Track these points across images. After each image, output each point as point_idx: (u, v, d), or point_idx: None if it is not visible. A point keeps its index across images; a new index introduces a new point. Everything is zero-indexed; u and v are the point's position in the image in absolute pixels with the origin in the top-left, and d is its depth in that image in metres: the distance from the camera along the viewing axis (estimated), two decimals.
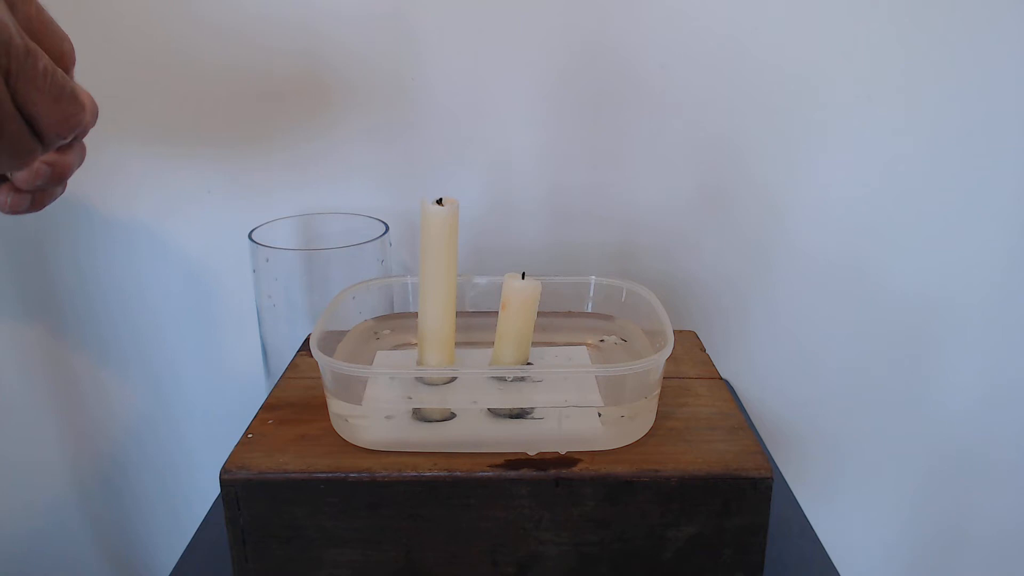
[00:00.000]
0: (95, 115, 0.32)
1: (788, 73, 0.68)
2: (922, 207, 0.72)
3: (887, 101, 0.69)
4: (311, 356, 0.43)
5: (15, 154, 0.30)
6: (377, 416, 0.43)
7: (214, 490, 0.43)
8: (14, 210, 0.35)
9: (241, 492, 0.40)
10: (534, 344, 0.47)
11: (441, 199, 0.42)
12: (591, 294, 0.53)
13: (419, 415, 0.43)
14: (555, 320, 0.53)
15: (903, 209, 0.72)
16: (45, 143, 0.30)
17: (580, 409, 0.43)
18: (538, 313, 0.45)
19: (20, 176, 0.33)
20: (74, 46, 0.31)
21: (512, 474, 0.40)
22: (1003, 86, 0.68)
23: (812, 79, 0.68)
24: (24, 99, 0.28)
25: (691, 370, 0.51)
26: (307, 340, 0.56)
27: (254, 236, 0.60)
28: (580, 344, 0.52)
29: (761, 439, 0.57)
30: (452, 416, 0.44)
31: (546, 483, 0.40)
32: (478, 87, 0.68)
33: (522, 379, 0.46)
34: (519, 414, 0.43)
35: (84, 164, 0.34)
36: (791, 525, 0.55)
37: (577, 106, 0.69)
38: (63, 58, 0.31)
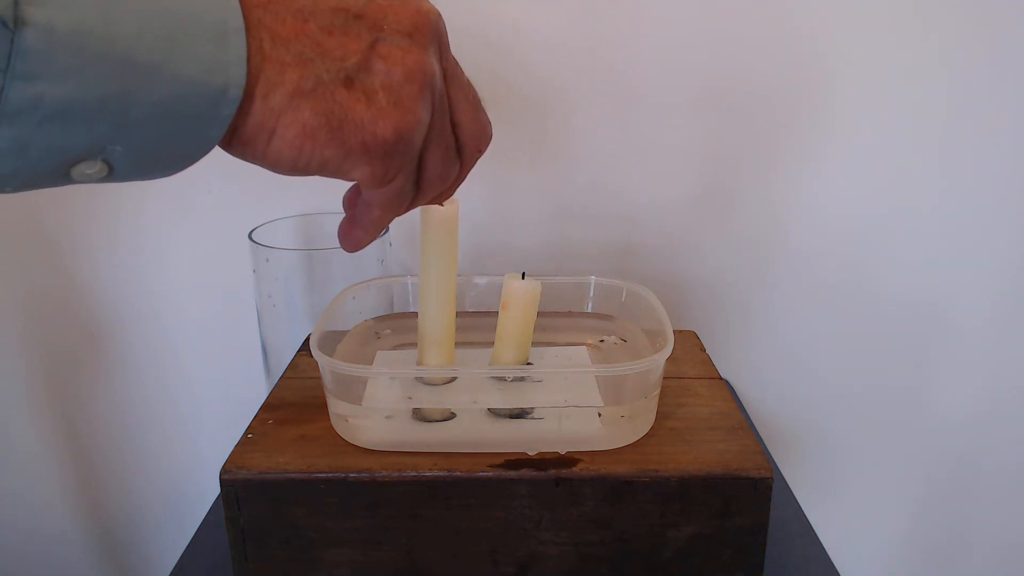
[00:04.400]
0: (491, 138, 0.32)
1: (791, 75, 0.68)
2: (922, 212, 0.72)
3: (891, 106, 0.69)
4: (311, 356, 0.43)
5: (444, 160, 0.29)
6: (377, 416, 0.43)
7: (214, 490, 0.43)
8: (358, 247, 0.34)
9: (241, 492, 0.40)
10: (534, 344, 0.47)
11: None
12: (591, 294, 0.53)
13: (419, 415, 0.43)
14: (555, 320, 0.53)
15: (903, 213, 0.72)
16: (464, 158, 0.31)
17: (580, 409, 0.43)
18: (538, 313, 0.45)
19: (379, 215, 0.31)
20: None
21: (512, 474, 0.40)
22: (1006, 95, 0.68)
23: (816, 83, 0.68)
24: (453, 103, 0.29)
25: (691, 370, 0.51)
26: (307, 340, 0.56)
27: (254, 236, 0.60)
28: (580, 344, 0.52)
29: (761, 439, 0.57)
30: (452, 416, 0.44)
31: (546, 483, 0.40)
32: (478, 87, 0.68)
33: (522, 379, 0.46)
34: (519, 414, 0.43)
35: None
36: (791, 525, 0.55)
37: (577, 104, 0.69)
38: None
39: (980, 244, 0.72)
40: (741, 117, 0.69)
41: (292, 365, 0.52)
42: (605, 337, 0.53)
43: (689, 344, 0.55)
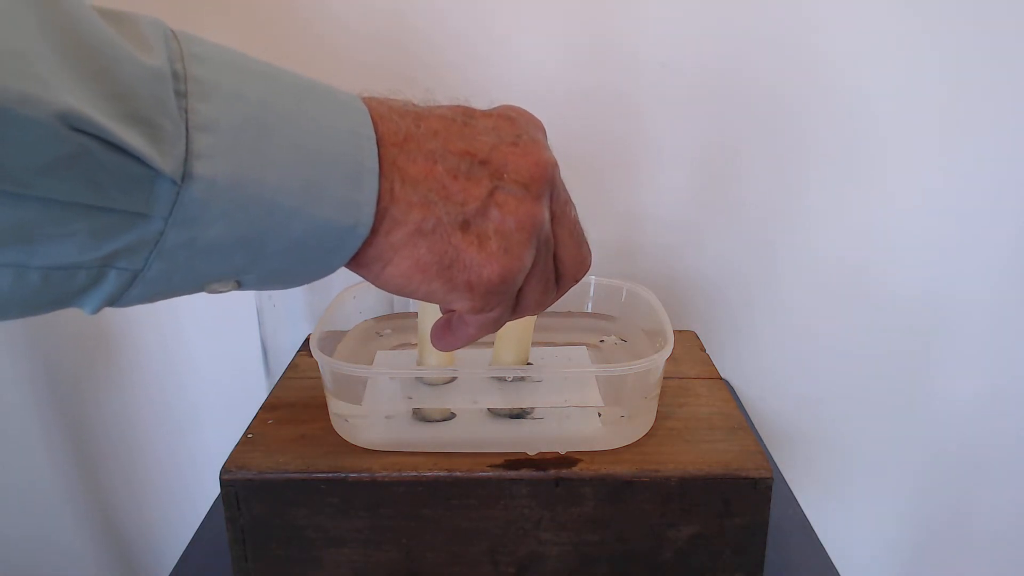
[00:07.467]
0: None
1: (793, 73, 0.68)
2: (925, 208, 0.72)
3: (891, 103, 0.69)
4: (311, 356, 0.43)
5: (543, 292, 0.31)
6: (377, 416, 0.43)
7: (214, 490, 0.43)
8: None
9: (241, 492, 0.40)
10: (534, 344, 0.47)
11: None
12: (591, 294, 0.53)
13: (419, 415, 0.43)
14: (555, 320, 0.53)
15: (905, 210, 0.72)
16: (560, 286, 0.32)
17: (580, 409, 0.43)
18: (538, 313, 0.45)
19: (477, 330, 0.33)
20: None
21: (512, 474, 0.40)
22: (1006, 88, 0.68)
23: (818, 81, 0.68)
24: (558, 241, 0.31)
25: (691, 370, 0.51)
26: (307, 340, 0.56)
27: None
28: (580, 344, 0.52)
29: (761, 439, 0.57)
30: (452, 416, 0.44)
31: (546, 483, 0.40)
32: (481, 87, 0.68)
33: (522, 379, 0.46)
34: (519, 414, 0.43)
35: None
36: (791, 525, 0.55)
37: (578, 102, 0.69)
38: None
39: (983, 242, 0.72)
40: (742, 116, 0.69)
41: (292, 365, 0.52)
42: (605, 337, 0.53)
43: (689, 344, 0.55)
